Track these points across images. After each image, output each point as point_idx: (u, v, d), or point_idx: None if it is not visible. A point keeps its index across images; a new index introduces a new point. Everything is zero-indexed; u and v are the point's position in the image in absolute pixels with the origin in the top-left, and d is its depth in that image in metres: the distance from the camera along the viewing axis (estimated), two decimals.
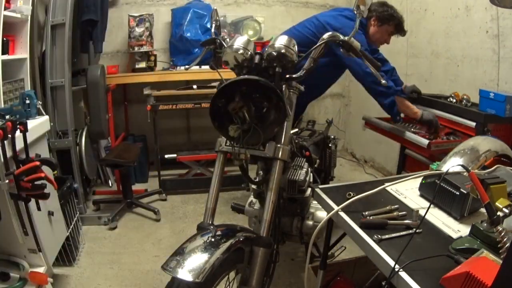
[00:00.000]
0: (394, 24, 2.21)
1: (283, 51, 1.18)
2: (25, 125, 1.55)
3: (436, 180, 1.10)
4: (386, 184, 1.21)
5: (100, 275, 2.03)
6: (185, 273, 0.88)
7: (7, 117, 1.61)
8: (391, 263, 0.85)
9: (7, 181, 1.39)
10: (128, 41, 3.25)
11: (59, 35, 2.42)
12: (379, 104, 2.15)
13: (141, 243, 2.36)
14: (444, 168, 1.24)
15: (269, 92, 1.14)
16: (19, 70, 2.16)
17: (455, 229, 1.01)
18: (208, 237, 0.99)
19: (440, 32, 2.70)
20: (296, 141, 1.74)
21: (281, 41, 1.21)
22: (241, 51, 1.21)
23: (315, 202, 1.61)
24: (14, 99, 2.00)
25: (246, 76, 1.16)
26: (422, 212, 1.03)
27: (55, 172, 1.96)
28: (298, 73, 1.29)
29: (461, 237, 0.96)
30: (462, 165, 0.99)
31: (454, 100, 2.21)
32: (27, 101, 1.75)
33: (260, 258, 1.11)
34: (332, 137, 2.32)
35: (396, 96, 2.10)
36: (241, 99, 1.12)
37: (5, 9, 1.92)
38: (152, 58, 3.27)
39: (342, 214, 1.09)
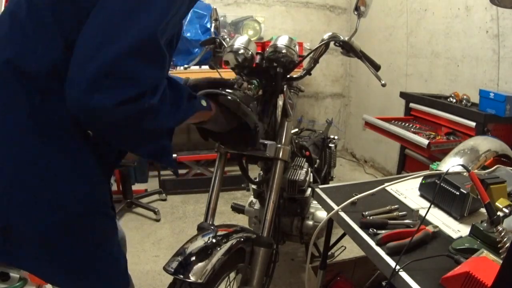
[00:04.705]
0: None
1: (284, 51, 1.18)
2: None
3: (436, 180, 1.10)
4: (386, 184, 1.21)
5: None
6: (187, 273, 0.88)
7: None
8: (392, 263, 0.85)
9: None
10: None
11: None
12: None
13: (141, 243, 2.35)
14: (444, 168, 1.24)
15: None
16: None
17: (455, 229, 1.01)
18: (209, 237, 0.99)
19: (440, 32, 2.70)
20: (296, 141, 1.74)
21: (282, 41, 1.21)
22: (241, 51, 1.20)
23: (315, 202, 1.61)
24: None
25: (209, 90, 1.00)
26: (422, 212, 1.03)
27: None
28: (299, 73, 1.29)
29: (461, 237, 0.96)
30: (462, 165, 0.99)
31: (454, 100, 2.22)
32: None
33: (261, 258, 1.11)
34: (332, 137, 2.32)
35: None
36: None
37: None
38: None
39: (342, 214, 1.09)
